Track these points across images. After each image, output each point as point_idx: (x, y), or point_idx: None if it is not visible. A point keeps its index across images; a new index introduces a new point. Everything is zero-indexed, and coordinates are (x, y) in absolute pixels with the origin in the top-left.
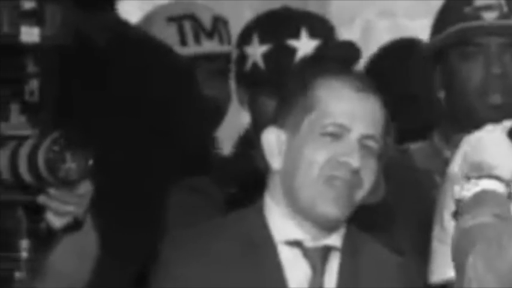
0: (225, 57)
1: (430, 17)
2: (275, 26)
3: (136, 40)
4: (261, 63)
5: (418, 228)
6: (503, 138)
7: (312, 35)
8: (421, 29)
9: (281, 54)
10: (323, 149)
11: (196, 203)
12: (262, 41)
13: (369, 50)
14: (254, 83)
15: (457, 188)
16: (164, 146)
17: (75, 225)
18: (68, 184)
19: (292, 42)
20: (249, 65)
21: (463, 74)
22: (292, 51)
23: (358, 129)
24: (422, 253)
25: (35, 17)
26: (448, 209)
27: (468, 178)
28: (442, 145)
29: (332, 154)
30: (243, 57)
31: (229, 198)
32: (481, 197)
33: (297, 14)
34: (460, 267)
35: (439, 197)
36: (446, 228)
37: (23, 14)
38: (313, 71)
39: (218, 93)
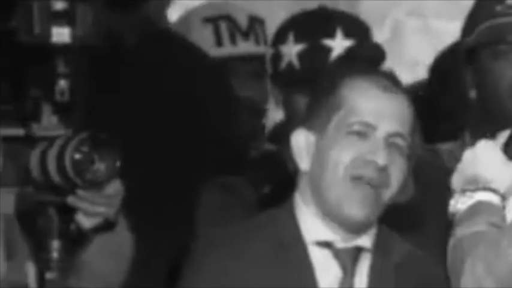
0: (261, 58)
1: (459, 16)
2: (311, 26)
3: (166, 40)
4: (295, 63)
5: (447, 228)
6: (497, 152)
7: (347, 35)
8: (450, 29)
9: (316, 54)
10: (349, 148)
11: (228, 202)
12: (298, 40)
13: (398, 50)
14: (289, 82)
15: (452, 202)
16: (194, 146)
17: (106, 226)
18: (95, 185)
19: (327, 42)
20: (284, 64)
21: (495, 73)
22: (327, 50)
23: (384, 127)
24: None
25: (66, 18)
26: None
27: (463, 191)
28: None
29: (358, 153)
30: (278, 57)
31: (262, 198)
32: (476, 208)
33: (333, 14)
34: (455, 277)
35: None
36: None
37: (54, 15)
38: (340, 71)
39: (255, 95)
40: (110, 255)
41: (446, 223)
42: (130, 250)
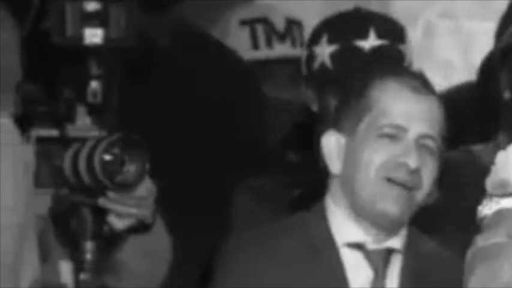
0: (299, 61)
1: (491, 18)
2: (344, 27)
3: (199, 42)
4: (328, 63)
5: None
6: None
7: (380, 35)
8: (482, 30)
9: (348, 54)
10: (380, 151)
11: (259, 204)
12: (331, 41)
13: (429, 51)
14: (321, 83)
15: (479, 207)
16: (227, 149)
17: (141, 227)
18: (124, 187)
19: (360, 43)
20: (317, 64)
21: None
22: (359, 51)
23: (415, 129)
24: None
25: (99, 19)
26: None
27: (491, 196)
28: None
29: (390, 155)
30: (311, 57)
31: (292, 200)
32: (501, 215)
33: (367, 15)
34: (465, 285)
35: None
36: None
37: (86, 16)
38: (370, 72)
39: (293, 97)
40: (146, 256)
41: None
42: (168, 252)
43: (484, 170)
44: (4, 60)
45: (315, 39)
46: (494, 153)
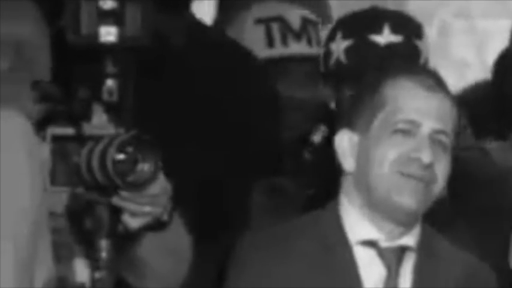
0: (315, 59)
1: (506, 17)
2: (359, 22)
3: (213, 41)
4: (343, 58)
5: (495, 223)
6: None
7: (395, 31)
8: (496, 29)
9: (362, 49)
10: (394, 146)
11: (277, 203)
12: (346, 37)
13: (445, 50)
14: (337, 78)
15: None
16: (241, 147)
17: (157, 225)
18: (136, 186)
19: (374, 37)
20: (332, 60)
21: None
22: (374, 45)
23: (428, 124)
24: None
25: (114, 17)
26: None
27: None
28: None
29: (403, 151)
30: (327, 54)
31: (307, 199)
32: None
33: (382, 12)
34: None
35: None
36: None
37: (102, 14)
38: (383, 71)
39: (310, 96)
40: (167, 255)
41: (491, 221)
42: (188, 251)
43: (499, 169)
44: (35, 58)
45: (331, 36)
46: (509, 151)
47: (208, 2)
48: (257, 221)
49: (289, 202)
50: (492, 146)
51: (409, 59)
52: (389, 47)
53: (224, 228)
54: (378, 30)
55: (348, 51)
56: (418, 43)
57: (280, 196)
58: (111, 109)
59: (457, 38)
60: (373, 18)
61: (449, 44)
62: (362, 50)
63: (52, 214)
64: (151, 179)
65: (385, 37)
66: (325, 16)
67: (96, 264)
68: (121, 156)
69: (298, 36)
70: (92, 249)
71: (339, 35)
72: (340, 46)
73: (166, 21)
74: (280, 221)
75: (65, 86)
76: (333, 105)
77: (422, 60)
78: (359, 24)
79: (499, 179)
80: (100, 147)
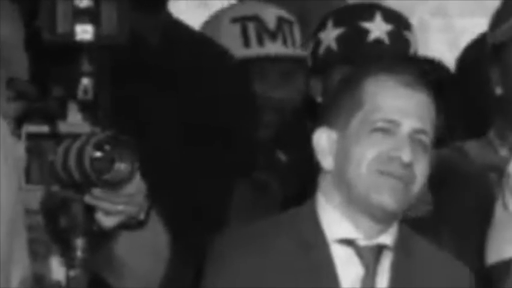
0: (290, 59)
1: (483, 16)
2: (350, 11)
3: (189, 40)
4: (334, 46)
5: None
6: None
7: (387, 19)
8: (474, 28)
9: (353, 36)
10: (373, 145)
11: (259, 199)
12: (337, 24)
13: (422, 49)
14: (327, 66)
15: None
16: (216, 145)
17: (133, 225)
18: (112, 185)
19: (366, 25)
20: (322, 49)
21: None
22: (365, 32)
23: (408, 124)
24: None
25: (90, 16)
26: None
27: None
28: (498, 143)
29: (382, 149)
30: (317, 44)
31: (286, 197)
32: None
33: (373, 3)
34: None
35: (504, 187)
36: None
37: (77, 13)
38: (362, 68)
39: (285, 97)
40: (145, 253)
41: (474, 222)
42: (165, 249)
43: (476, 167)
44: (13, 58)
45: (320, 26)
46: (486, 149)
47: (186, 1)
48: (239, 218)
49: (271, 199)
50: (468, 144)
51: (398, 48)
52: (381, 39)
53: (202, 226)
54: (370, 18)
55: (339, 39)
56: (408, 34)
57: (262, 192)
58: (86, 108)
59: (434, 36)
60: (364, 7)
61: (427, 42)
62: (352, 37)
63: (28, 211)
64: (127, 178)
65: (377, 25)
66: (304, 16)
67: (71, 263)
68: (98, 154)
69: (273, 36)
70: (67, 248)
71: (330, 24)
72: (331, 34)
73: (142, 20)
74: (262, 218)
75: (41, 84)
76: (319, 99)
77: (411, 52)
78: (351, 12)
79: (478, 177)
80: (77, 145)
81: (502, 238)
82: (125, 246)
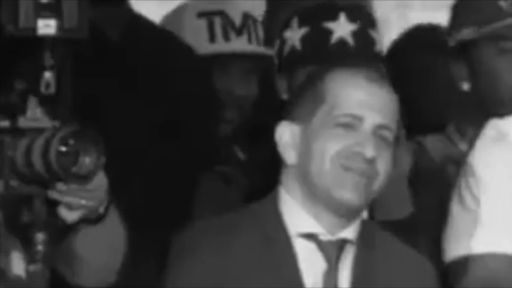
0: (254, 56)
1: (443, 9)
2: (314, 10)
3: (150, 36)
4: (298, 46)
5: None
6: None
7: (351, 19)
8: (435, 22)
9: (317, 36)
10: (335, 140)
11: (225, 192)
12: (301, 25)
13: (384, 43)
14: (291, 66)
15: None
16: (172, 140)
17: (92, 219)
18: (79, 179)
19: (329, 25)
20: (287, 49)
21: (499, 68)
22: (328, 33)
23: (371, 119)
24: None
25: (52, 10)
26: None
27: None
28: (457, 138)
29: (345, 144)
30: (282, 43)
31: (252, 189)
32: None
33: (337, 3)
34: None
35: (460, 183)
36: (468, 209)
37: (40, 7)
38: (328, 61)
39: (246, 93)
40: (102, 247)
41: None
42: (123, 243)
43: (434, 162)
44: None
45: (286, 25)
46: (446, 143)
47: None
48: (203, 212)
49: (236, 193)
50: (427, 139)
51: (363, 48)
52: (345, 39)
53: (166, 220)
54: (334, 18)
55: (303, 39)
56: (372, 33)
57: (228, 187)
58: (47, 102)
59: (395, 31)
60: (329, 6)
61: (388, 37)
62: (316, 37)
63: None
64: (93, 172)
65: (341, 25)
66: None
67: (32, 258)
68: (64, 148)
69: (239, 32)
70: (28, 242)
71: (294, 24)
72: (295, 34)
73: (102, 14)
74: (226, 211)
75: (2, 78)
76: (285, 96)
77: (376, 50)
78: (315, 12)
79: (438, 173)
80: (42, 139)
81: (458, 234)
82: (82, 240)
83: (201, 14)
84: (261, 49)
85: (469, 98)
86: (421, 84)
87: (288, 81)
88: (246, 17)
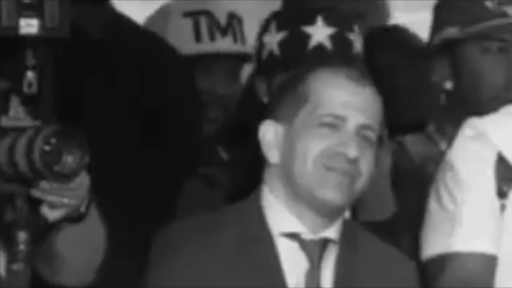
0: (238, 56)
1: (426, 9)
2: (292, 14)
3: (131, 35)
4: (276, 51)
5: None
6: None
7: (328, 23)
8: (418, 23)
9: (294, 40)
10: (318, 140)
11: (209, 193)
12: (279, 29)
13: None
14: (270, 71)
15: None
16: (155, 140)
17: (74, 218)
18: (62, 178)
19: (307, 29)
20: (266, 52)
21: (482, 68)
22: (306, 37)
23: (354, 119)
24: None
25: (34, 9)
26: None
27: None
28: (437, 137)
29: (328, 144)
30: (261, 47)
31: (236, 189)
32: None
33: (315, 6)
34: None
35: (438, 181)
36: (445, 207)
37: (22, 6)
38: (309, 63)
39: (230, 92)
40: (81, 245)
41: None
42: (103, 241)
43: (414, 162)
44: None
45: (264, 29)
46: (426, 143)
47: None
48: (187, 212)
49: (220, 193)
50: (407, 138)
51: (341, 51)
52: (322, 43)
53: (150, 220)
54: (311, 22)
55: (281, 44)
56: (350, 35)
57: (212, 187)
58: (29, 101)
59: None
60: (306, 10)
61: None
62: (294, 42)
63: None
64: (76, 171)
65: (318, 28)
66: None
67: (14, 257)
68: (47, 148)
69: (224, 32)
70: (10, 241)
71: (272, 28)
72: (274, 39)
73: (84, 13)
74: (209, 210)
75: None
76: (265, 99)
77: (354, 52)
78: (292, 16)
79: (417, 173)
80: (24, 140)
81: (436, 232)
82: (63, 239)
83: (187, 14)
84: (246, 49)
85: (450, 97)
86: (390, 84)
87: (268, 84)
88: (231, 17)
